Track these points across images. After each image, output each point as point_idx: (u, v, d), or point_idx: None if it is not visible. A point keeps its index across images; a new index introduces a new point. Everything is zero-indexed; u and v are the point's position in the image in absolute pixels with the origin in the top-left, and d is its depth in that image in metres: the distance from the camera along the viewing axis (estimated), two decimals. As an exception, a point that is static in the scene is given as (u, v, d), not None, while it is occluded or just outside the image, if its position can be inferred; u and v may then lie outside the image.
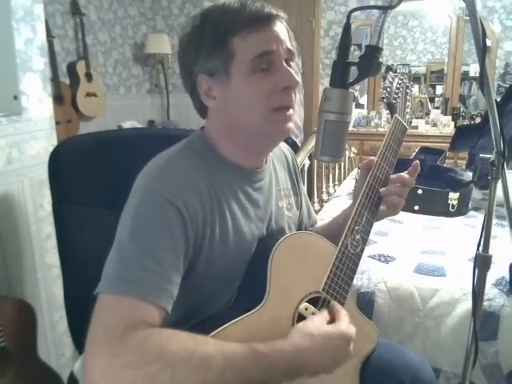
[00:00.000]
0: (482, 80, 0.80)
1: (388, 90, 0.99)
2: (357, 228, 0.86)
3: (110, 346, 0.58)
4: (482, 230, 0.90)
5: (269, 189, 0.88)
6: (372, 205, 0.89)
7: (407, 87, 1.03)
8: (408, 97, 1.04)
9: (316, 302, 0.79)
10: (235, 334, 0.68)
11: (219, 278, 0.79)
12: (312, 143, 2.24)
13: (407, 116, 1.00)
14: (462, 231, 1.82)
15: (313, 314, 0.77)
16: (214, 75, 0.75)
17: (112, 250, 0.69)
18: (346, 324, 0.73)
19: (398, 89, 1.00)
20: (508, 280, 1.29)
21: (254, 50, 0.72)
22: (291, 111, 0.78)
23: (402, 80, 1.01)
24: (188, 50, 0.78)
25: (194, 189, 0.73)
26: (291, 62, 0.78)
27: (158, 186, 0.71)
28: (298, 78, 0.77)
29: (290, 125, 0.79)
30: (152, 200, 0.70)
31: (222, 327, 0.67)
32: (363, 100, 4.15)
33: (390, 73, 1.03)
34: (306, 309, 0.77)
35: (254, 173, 0.85)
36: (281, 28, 0.76)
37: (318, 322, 0.71)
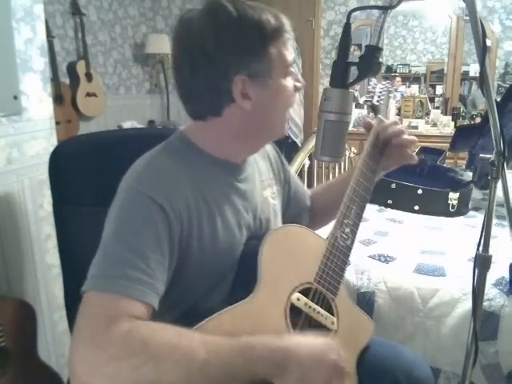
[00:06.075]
0: (482, 80, 0.80)
1: (371, 94, 1.02)
2: (346, 221, 0.87)
3: (94, 339, 0.59)
4: (482, 229, 0.90)
5: (252, 179, 0.90)
6: (360, 199, 0.90)
7: (390, 92, 1.06)
8: (391, 100, 1.07)
9: (307, 292, 0.80)
10: (225, 323, 0.68)
11: (212, 273, 0.80)
12: (312, 143, 2.24)
13: (391, 117, 1.02)
14: (462, 231, 1.82)
15: (305, 304, 0.78)
16: (256, 77, 0.76)
17: (98, 250, 0.70)
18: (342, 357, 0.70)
19: (381, 93, 1.02)
20: (508, 280, 1.29)
21: (287, 57, 0.80)
22: None
23: (384, 85, 1.05)
24: (223, 48, 0.74)
25: (178, 188, 0.75)
26: None
27: (141, 185, 0.72)
28: None
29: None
30: (136, 199, 0.71)
31: (212, 316, 0.68)
32: (363, 100, 4.15)
33: (373, 79, 1.04)
34: (298, 299, 0.78)
35: (238, 165, 0.87)
36: None
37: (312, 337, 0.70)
